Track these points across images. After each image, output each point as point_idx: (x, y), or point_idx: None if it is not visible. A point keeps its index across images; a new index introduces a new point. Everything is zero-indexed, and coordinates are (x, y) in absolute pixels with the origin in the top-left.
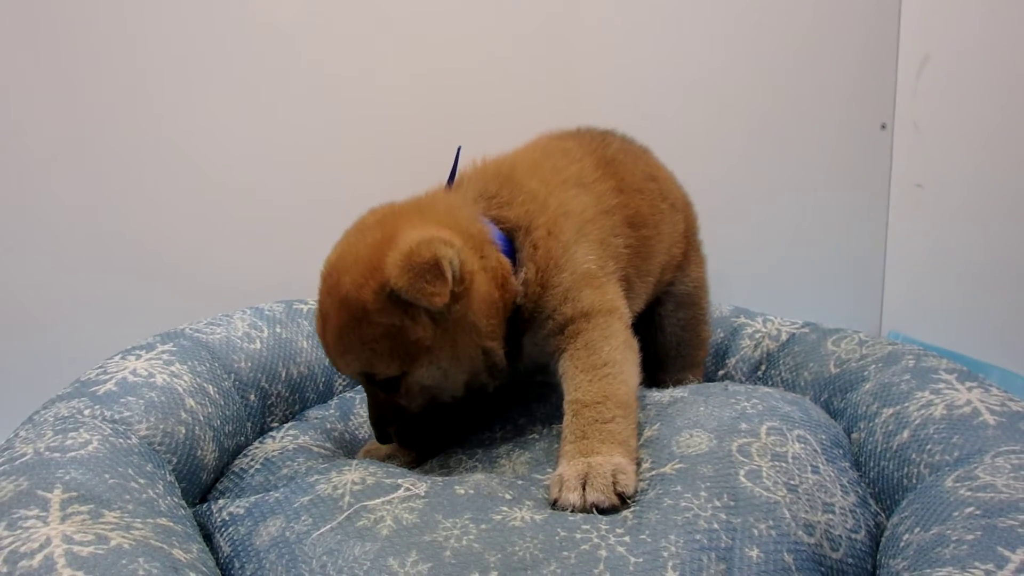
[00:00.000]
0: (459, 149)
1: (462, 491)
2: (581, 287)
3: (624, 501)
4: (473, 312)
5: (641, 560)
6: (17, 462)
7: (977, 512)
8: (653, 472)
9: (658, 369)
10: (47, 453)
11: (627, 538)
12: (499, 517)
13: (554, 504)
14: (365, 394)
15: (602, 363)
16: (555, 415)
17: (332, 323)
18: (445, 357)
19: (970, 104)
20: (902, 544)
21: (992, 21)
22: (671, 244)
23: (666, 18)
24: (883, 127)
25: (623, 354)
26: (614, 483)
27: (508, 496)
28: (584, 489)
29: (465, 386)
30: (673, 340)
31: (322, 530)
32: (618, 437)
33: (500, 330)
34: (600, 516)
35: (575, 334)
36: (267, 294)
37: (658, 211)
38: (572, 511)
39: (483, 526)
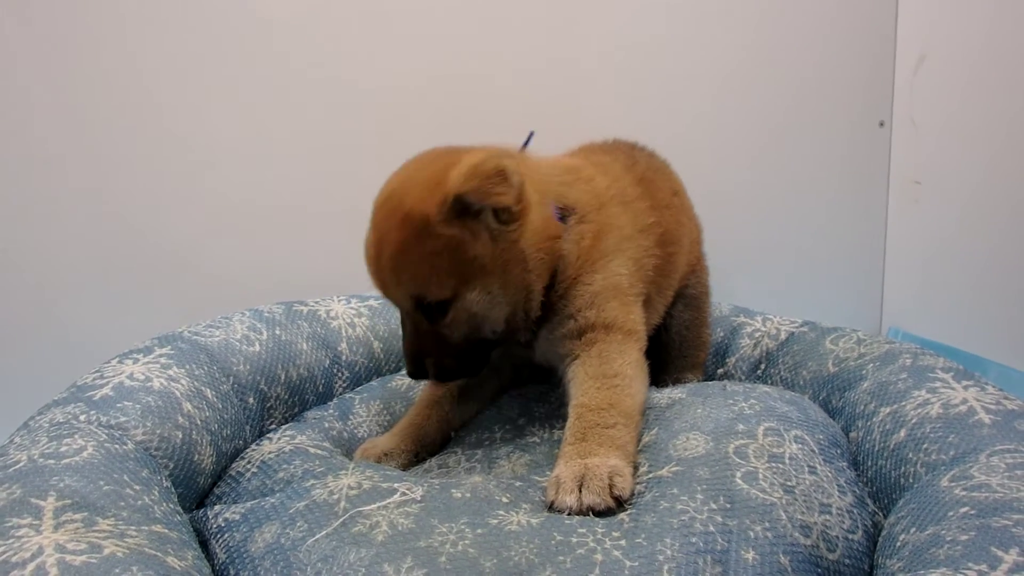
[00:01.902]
0: (532, 133)
1: (459, 495)
2: (609, 297)
3: (620, 504)
4: (525, 240)
5: (637, 564)
6: (11, 469)
7: (972, 512)
8: (650, 475)
9: (660, 370)
10: (41, 460)
11: (623, 542)
12: (495, 521)
13: (550, 506)
14: (404, 331)
15: (612, 374)
16: (555, 415)
17: (391, 243)
18: (496, 283)
19: (967, 101)
20: (898, 544)
21: (987, 19)
22: (689, 254)
23: (665, 19)
24: (881, 124)
25: (634, 370)
26: (610, 486)
27: (505, 499)
28: (580, 491)
29: (505, 322)
30: (677, 340)
31: (317, 536)
32: (617, 442)
33: (545, 275)
34: (596, 519)
35: (591, 342)
36: (267, 295)
37: (681, 226)
38: (568, 514)
39: (479, 531)
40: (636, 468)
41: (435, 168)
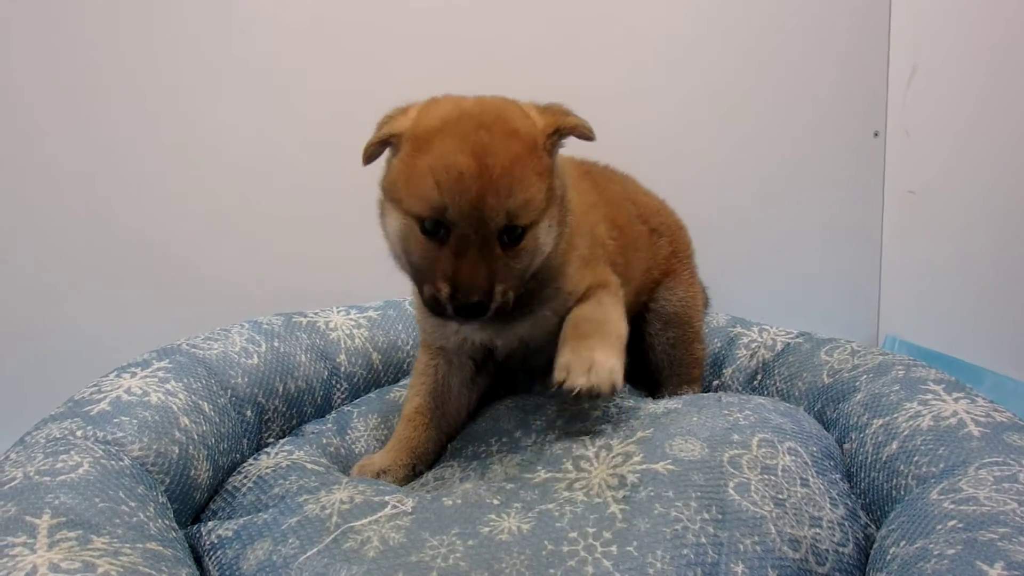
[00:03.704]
0: None
1: (450, 502)
2: (583, 273)
3: (614, 394)
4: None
5: None
6: (6, 487)
7: (959, 525)
8: (644, 466)
9: (655, 387)
10: (37, 477)
11: (614, 548)
12: (487, 530)
13: (560, 385)
14: (461, 258)
15: (599, 303)
16: (552, 427)
17: (501, 156)
18: (554, 216)
19: (959, 111)
20: (888, 557)
21: (978, 31)
22: (650, 265)
23: (662, 28)
24: (876, 135)
25: (615, 305)
26: (611, 379)
27: (496, 502)
28: (589, 374)
29: (533, 274)
30: (665, 359)
31: (308, 554)
32: (611, 341)
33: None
34: (588, 518)
35: (582, 300)
36: (268, 302)
37: (634, 226)
38: (576, 395)
39: (470, 542)
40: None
41: (509, 104)
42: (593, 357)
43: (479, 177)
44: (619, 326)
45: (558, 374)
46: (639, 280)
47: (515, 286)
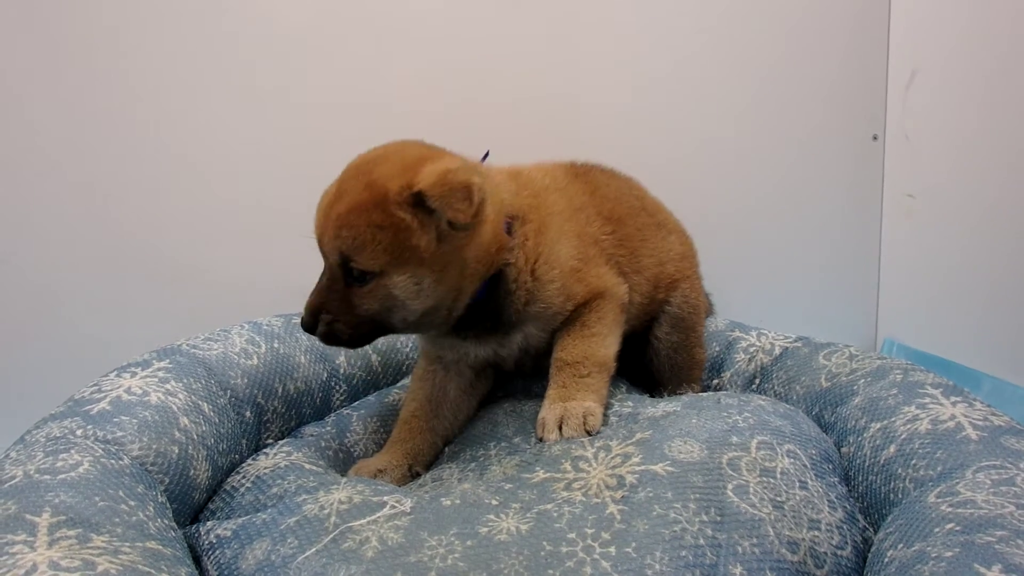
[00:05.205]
0: (487, 153)
1: (448, 502)
2: (572, 283)
3: (590, 435)
4: (470, 249)
5: None
6: (6, 485)
7: (957, 528)
8: (643, 467)
9: (654, 386)
10: (37, 476)
11: (612, 549)
12: (485, 530)
13: (540, 440)
14: (318, 282)
15: (590, 334)
16: None
17: (347, 199)
18: (428, 277)
19: (958, 115)
20: (886, 560)
21: (976, 36)
22: (661, 255)
23: (662, 31)
24: (875, 138)
25: (609, 328)
26: (584, 423)
27: (495, 502)
28: (560, 429)
29: (421, 315)
30: (667, 363)
31: (307, 553)
32: (592, 387)
33: (477, 283)
34: (587, 519)
35: (575, 318)
36: (268, 303)
37: (638, 217)
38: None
39: (468, 542)
40: (607, 408)
41: (413, 155)
42: (566, 408)
43: (325, 215)
44: (605, 352)
45: (537, 430)
46: (652, 271)
47: (349, 321)
